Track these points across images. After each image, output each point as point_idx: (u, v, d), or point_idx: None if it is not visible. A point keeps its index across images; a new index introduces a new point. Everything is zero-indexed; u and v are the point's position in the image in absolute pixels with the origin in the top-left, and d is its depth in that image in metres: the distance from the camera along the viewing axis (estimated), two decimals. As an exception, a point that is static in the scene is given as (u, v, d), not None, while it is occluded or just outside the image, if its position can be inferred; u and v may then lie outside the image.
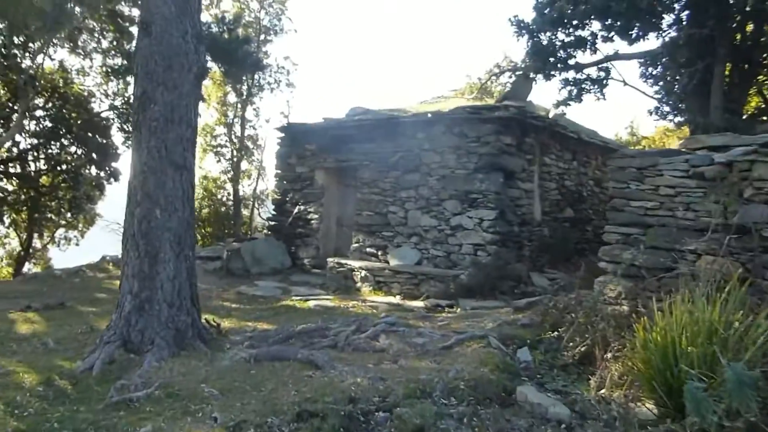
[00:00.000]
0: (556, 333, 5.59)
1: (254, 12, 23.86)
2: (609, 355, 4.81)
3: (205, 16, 18.39)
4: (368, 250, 11.41)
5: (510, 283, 9.39)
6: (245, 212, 25.80)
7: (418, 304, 9.06)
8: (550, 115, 11.18)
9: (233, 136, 24.91)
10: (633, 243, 5.77)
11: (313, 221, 12.58)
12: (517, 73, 11.41)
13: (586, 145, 12.49)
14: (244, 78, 21.18)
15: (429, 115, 10.69)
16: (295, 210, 12.71)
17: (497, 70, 13.13)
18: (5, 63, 13.61)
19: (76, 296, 9.90)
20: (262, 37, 23.90)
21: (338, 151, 12.11)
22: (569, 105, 11.52)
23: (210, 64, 16.11)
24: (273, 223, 13.50)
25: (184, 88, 5.86)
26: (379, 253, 11.26)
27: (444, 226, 10.45)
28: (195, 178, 6.41)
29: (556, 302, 6.96)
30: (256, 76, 24.11)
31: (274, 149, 13.60)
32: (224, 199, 24.71)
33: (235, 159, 24.80)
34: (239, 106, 24.72)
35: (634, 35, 10.98)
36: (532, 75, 11.20)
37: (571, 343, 5.21)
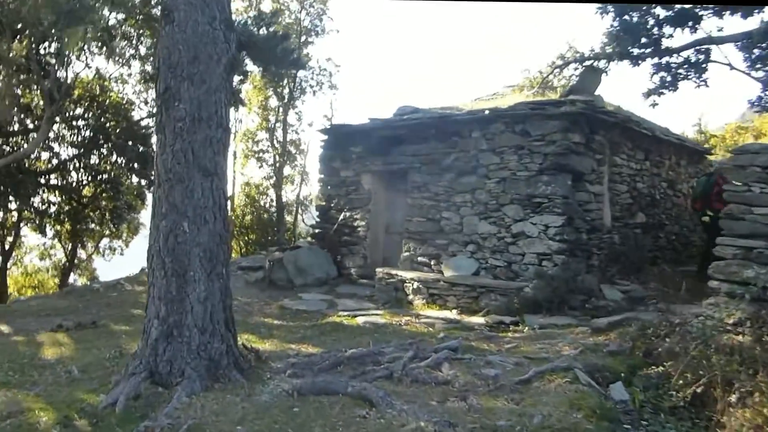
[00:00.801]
0: (659, 367, 4.67)
1: (294, 13, 23.31)
2: (733, 397, 3.92)
3: (243, 16, 17.92)
4: (420, 259, 10.61)
5: (580, 297, 8.47)
6: (289, 218, 25.31)
7: (479, 320, 8.23)
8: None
9: (275, 141, 24.45)
10: (756, 259, 4.82)
11: (359, 228, 11.85)
12: (585, 63, 10.44)
13: (659, 144, 11.45)
14: (284, 79, 20.67)
15: (486, 111, 9.85)
16: (341, 217, 12.01)
17: (561, 62, 12.16)
18: (31, 68, 13.25)
19: (111, 313, 9.40)
20: (303, 38, 23.35)
21: (386, 153, 11.36)
22: (663, 94, 10.30)
23: (249, 66, 15.68)
24: (317, 230, 12.82)
25: (213, 82, 5.18)
26: (432, 262, 10.45)
27: (504, 233, 9.58)
28: (229, 184, 5.73)
29: (646, 324, 6.06)
30: (297, 79, 23.61)
31: (317, 153, 12.95)
32: (267, 205, 24.25)
33: (277, 164, 24.32)
34: (281, 110, 24.23)
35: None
36: (604, 64, 10.13)
37: (681, 381, 4.31)
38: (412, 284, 9.73)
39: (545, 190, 9.11)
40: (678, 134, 12.64)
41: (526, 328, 7.54)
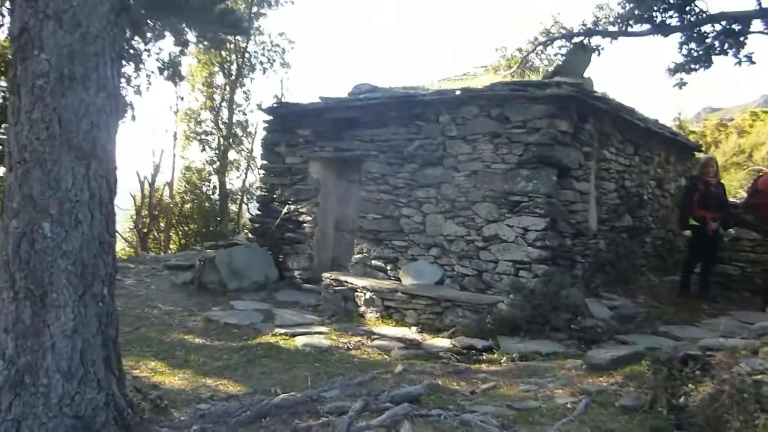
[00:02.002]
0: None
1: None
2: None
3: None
4: (374, 262, 9.32)
5: (564, 315, 7.30)
6: (233, 208, 23.76)
7: (444, 343, 6.98)
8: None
9: (220, 123, 22.82)
10: None
11: (306, 224, 10.48)
12: (574, 41, 9.24)
13: (650, 137, 10.38)
14: (225, 45, 18.97)
15: (457, 92, 8.57)
16: (284, 210, 10.62)
17: (545, 38, 10.93)
18: None
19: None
20: (254, 9, 21.75)
21: (338, 138, 10.01)
22: (694, 70, 8.86)
23: (189, 36, 14.12)
24: (257, 225, 11.38)
25: (93, 25, 3.73)
26: (389, 267, 9.17)
27: (474, 236, 8.36)
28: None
29: (661, 360, 4.88)
30: (246, 54, 22.02)
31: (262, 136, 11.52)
32: (209, 192, 22.62)
33: (222, 148, 22.74)
34: (227, 88, 22.60)
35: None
36: (596, 41, 8.81)
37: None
38: (365, 294, 8.43)
39: (525, 186, 7.91)
40: (669, 127, 11.61)
41: (504, 357, 6.31)
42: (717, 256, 9.47)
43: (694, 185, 8.83)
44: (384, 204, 9.29)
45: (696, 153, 12.76)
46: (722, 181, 9.54)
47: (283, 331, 7.35)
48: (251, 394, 4.85)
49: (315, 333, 7.32)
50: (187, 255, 12.55)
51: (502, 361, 6.22)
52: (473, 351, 6.60)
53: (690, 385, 4.17)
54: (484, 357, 6.39)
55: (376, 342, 7.02)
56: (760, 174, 9.01)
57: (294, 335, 7.16)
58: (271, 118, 11.17)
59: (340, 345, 6.82)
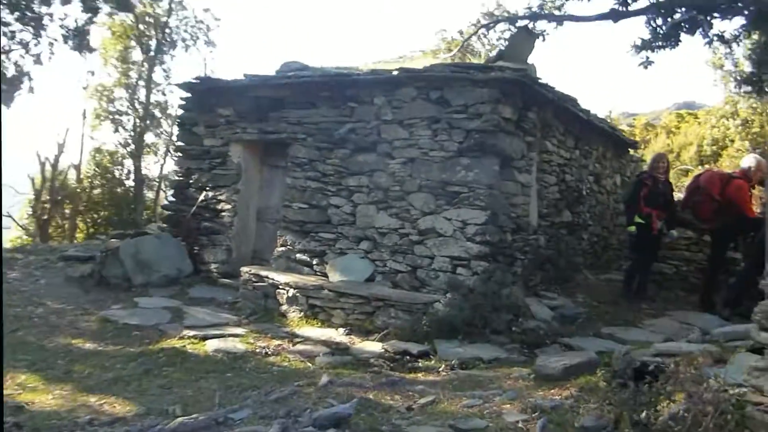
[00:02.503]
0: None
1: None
2: None
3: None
4: (299, 256, 8.53)
5: (506, 316, 6.73)
6: (150, 195, 22.35)
7: (375, 347, 6.28)
8: None
9: (136, 102, 21.35)
10: None
11: (224, 213, 9.56)
12: (518, 24, 8.67)
13: (590, 130, 9.98)
14: (145, 20, 17.66)
15: (395, 72, 7.88)
16: (201, 197, 9.66)
17: (487, 21, 10.35)
18: None
19: None
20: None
21: (264, 119, 9.15)
22: (661, 48, 8.27)
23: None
24: (170, 213, 10.36)
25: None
26: (315, 261, 8.41)
27: (409, 229, 7.70)
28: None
29: (616, 373, 4.34)
30: (167, 29, 20.68)
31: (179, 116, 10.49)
32: (123, 177, 21.08)
33: (138, 129, 21.25)
34: (145, 65, 21.15)
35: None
36: (542, 25, 8.25)
37: None
38: (288, 291, 7.64)
39: (465, 176, 7.30)
40: (608, 122, 11.31)
41: (442, 364, 5.66)
42: (657, 256, 9.16)
43: (642, 181, 8.44)
44: (311, 192, 8.51)
45: (631, 150, 12.55)
46: (670, 180, 9.23)
47: (192, 333, 6.48)
48: (143, 416, 4.01)
49: (229, 335, 6.49)
50: (89, 245, 11.42)
51: (440, 369, 5.56)
52: (408, 357, 5.93)
53: (654, 400, 3.63)
54: (420, 364, 5.73)
55: (299, 346, 6.26)
56: (701, 171, 8.73)
57: (205, 338, 6.30)
58: (189, 95, 10.16)
59: (258, 350, 6.02)
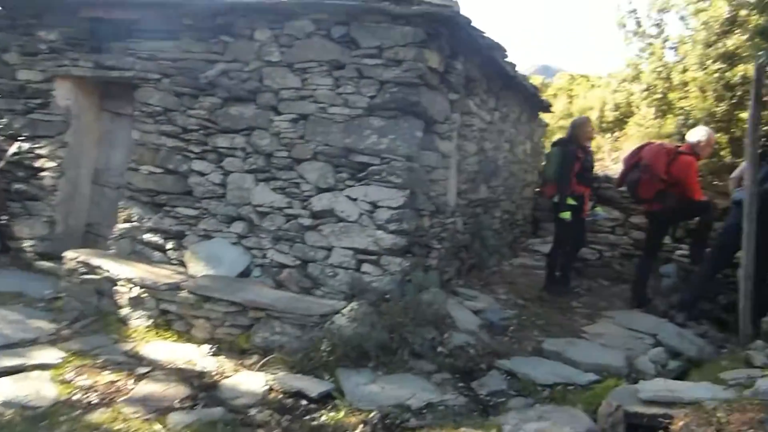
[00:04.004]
0: None
1: None
2: None
3: None
4: (149, 237, 6.55)
5: (428, 333, 5.20)
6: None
7: (255, 382, 4.51)
8: None
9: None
10: None
11: (46, 173, 7.26)
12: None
13: (509, 89, 8.57)
14: None
15: (285, -3, 5.96)
16: (11, 149, 7.29)
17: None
18: None
19: None
20: None
21: (103, 49, 6.95)
22: None
23: None
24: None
25: None
26: (170, 246, 6.48)
27: (299, 209, 5.94)
28: None
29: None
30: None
31: None
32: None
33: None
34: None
35: None
36: None
37: None
38: (131, 289, 5.67)
39: (377, 143, 5.61)
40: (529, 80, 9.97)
41: (354, 418, 4.02)
42: (585, 241, 8.02)
43: (574, 152, 7.12)
44: (167, 153, 6.49)
45: (540, 113, 11.39)
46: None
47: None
48: None
49: (35, 367, 4.44)
50: None
51: (349, 425, 3.94)
52: (302, 403, 4.25)
53: None
54: (324, 417, 4.05)
55: (143, 385, 4.36)
56: (643, 143, 7.56)
57: (-6, 372, 4.27)
58: (-3, 10, 7.64)
59: (77, 397, 4.07)
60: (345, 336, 4.82)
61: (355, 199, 5.68)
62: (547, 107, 10.92)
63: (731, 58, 9.14)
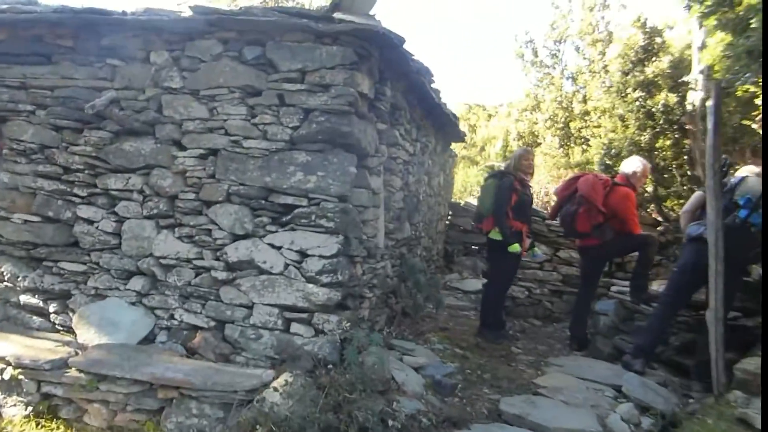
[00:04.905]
0: None
1: None
2: None
3: None
4: (26, 299, 5.45)
5: (375, 404, 4.44)
6: None
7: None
8: None
9: None
10: None
11: None
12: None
13: (429, 117, 8.07)
14: None
15: (186, 12, 5.12)
16: None
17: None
18: None
19: None
20: None
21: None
22: None
23: None
24: None
25: None
26: (53, 308, 5.40)
27: (211, 260, 5.07)
28: None
29: None
30: None
31: None
32: None
33: None
34: None
35: None
36: None
37: None
38: (3, 371, 4.58)
39: (304, 181, 4.85)
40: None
41: None
42: (514, 280, 7.57)
43: (510, 184, 6.66)
44: (45, 198, 5.44)
45: (456, 142, 11.02)
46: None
47: None
48: None
49: None
50: None
51: None
52: None
53: None
54: None
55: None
56: (576, 174, 7.23)
57: None
58: None
59: None
60: (280, 417, 3.99)
61: (279, 248, 4.89)
62: (462, 137, 10.52)
63: (649, 86, 9.08)
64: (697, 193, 6.11)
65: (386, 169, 6.20)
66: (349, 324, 4.82)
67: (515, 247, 6.51)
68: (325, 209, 4.78)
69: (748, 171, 5.73)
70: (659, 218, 9.30)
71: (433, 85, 6.90)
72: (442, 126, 8.97)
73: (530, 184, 7.09)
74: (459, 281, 9.66)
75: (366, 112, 5.19)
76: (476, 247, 10.50)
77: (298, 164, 4.86)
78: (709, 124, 5.15)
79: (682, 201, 9.21)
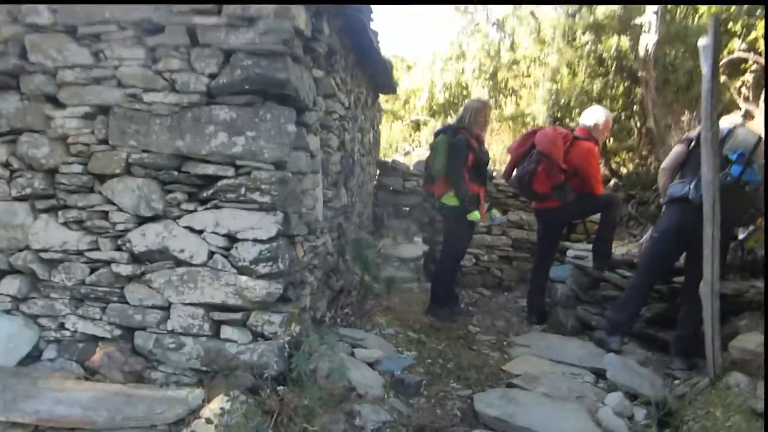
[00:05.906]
0: None
1: None
2: None
3: None
4: None
5: (336, 423, 3.52)
6: None
7: None
8: None
9: None
10: None
11: None
12: None
13: (361, 64, 7.07)
14: None
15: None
16: None
17: None
18: None
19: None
20: None
21: None
22: None
23: None
24: None
25: None
26: None
27: (110, 250, 3.93)
28: None
29: None
30: None
31: None
32: None
33: None
34: None
35: None
36: None
37: None
38: None
39: (229, 144, 3.76)
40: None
41: None
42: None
43: (468, 142, 5.80)
44: None
45: (385, 94, 10.07)
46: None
47: None
48: None
49: None
50: None
51: None
52: None
53: None
54: None
55: None
56: (533, 129, 6.42)
57: None
58: None
59: None
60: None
61: (200, 232, 3.82)
62: (395, 88, 9.54)
63: (598, 30, 8.36)
64: (678, 147, 5.42)
65: (323, 126, 5.19)
66: (294, 324, 3.85)
67: (475, 215, 5.71)
68: (257, 180, 3.73)
69: (730, 122, 5.14)
70: (609, 174, 8.72)
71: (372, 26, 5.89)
72: (374, 75, 7.98)
73: (483, 141, 6.25)
74: (393, 247, 8.81)
75: (302, 54, 4.13)
76: (407, 209, 9.68)
77: (220, 123, 3.77)
78: (705, 67, 4.42)
79: (631, 155, 8.65)
